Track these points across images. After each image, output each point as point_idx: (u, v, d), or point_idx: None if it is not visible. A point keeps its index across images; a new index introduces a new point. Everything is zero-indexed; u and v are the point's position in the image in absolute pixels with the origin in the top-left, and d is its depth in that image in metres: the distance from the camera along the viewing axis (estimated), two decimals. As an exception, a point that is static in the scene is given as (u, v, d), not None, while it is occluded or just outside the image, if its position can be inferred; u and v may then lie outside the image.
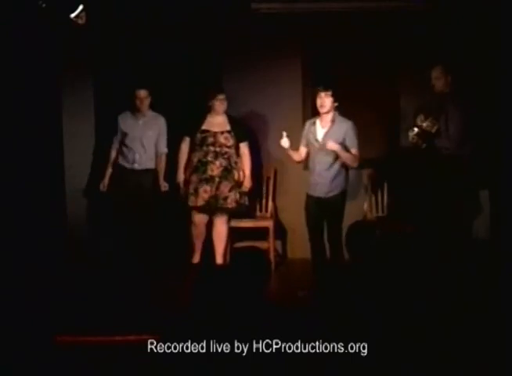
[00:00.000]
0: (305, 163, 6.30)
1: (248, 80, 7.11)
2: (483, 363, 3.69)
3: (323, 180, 5.96)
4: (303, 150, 6.18)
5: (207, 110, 6.65)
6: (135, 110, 6.69)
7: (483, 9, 6.61)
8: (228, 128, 6.64)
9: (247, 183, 6.69)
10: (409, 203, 6.86)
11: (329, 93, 5.91)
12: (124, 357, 3.80)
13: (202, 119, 6.64)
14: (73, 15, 5.94)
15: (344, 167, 6.00)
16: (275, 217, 7.14)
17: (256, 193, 7.07)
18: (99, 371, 3.88)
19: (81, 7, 5.94)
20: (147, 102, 6.64)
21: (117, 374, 3.76)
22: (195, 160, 6.63)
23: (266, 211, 7.12)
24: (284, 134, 6.05)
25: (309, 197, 6.10)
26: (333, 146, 5.84)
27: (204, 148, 6.60)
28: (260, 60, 7.07)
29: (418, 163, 6.38)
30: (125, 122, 6.70)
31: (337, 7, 6.90)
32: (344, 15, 6.92)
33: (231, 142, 6.63)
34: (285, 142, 6.06)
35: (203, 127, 6.63)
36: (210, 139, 6.60)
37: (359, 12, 6.91)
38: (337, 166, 5.95)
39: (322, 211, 6.04)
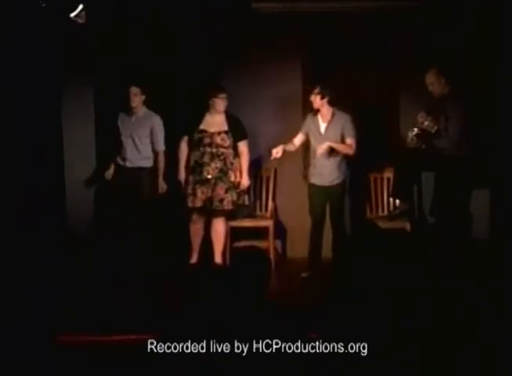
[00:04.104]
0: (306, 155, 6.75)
1: (248, 80, 7.11)
2: (483, 363, 3.69)
3: (327, 170, 6.38)
4: (300, 138, 6.53)
5: (206, 108, 6.63)
6: (128, 108, 6.69)
7: (482, 8, 6.61)
8: (225, 128, 6.60)
9: (245, 182, 6.69)
10: (409, 202, 6.85)
11: (316, 91, 6.34)
12: (124, 357, 3.80)
13: (200, 118, 6.63)
14: (73, 14, 5.94)
15: (344, 156, 6.39)
16: (275, 217, 7.14)
17: (256, 192, 7.09)
18: (99, 371, 3.88)
19: (80, 6, 5.94)
20: (139, 99, 6.62)
21: (117, 374, 3.77)
22: (192, 160, 6.61)
23: (266, 210, 7.13)
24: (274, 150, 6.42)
25: (313, 186, 6.49)
26: (323, 148, 6.24)
27: (201, 149, 6.58)
28: (260, 60, 7.07)
29: (418, 163, 6.38)
30: (120, 122, 6.71)
31: (337, 7, 6.90)
32: (344, 15, 6.91)
33: (227, 142, 6.59)
34: (276, 152, 6.42)
35: (201, 127, 6.60)
36: (207, 140, 6.57)
37: (359, 12, 6.91)
38: (337, 156, 6.36)
39: (327, 199, 6.44)
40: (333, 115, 6.38)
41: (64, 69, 6.69)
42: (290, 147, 6.53)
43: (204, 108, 6.63)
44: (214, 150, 6.57)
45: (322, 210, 6.47)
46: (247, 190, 6.78)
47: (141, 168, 6.67)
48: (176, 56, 6.96)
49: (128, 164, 6.68)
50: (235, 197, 6.62)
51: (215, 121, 6.61)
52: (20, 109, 6.34)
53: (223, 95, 6.55)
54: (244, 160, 6.65)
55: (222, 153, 6.58)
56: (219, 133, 6.58)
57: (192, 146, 6.62)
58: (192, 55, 6.98)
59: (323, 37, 7.06)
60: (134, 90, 6.62)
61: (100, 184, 6.87)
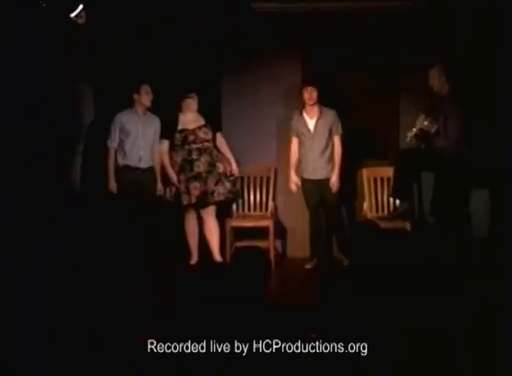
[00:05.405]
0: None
1: (248, 80, 7.12)
2: (483, 363, 3.69)
3: (320, 164, 6.76)
4: (296, 142, 6.85)
5: (178, 109, 6.68)
6: (135, 108, 6.66)
7: (483, 7, 6.61)
8: (203, 122, 6.71)
9: (235, 169, 6.77)
10: (409, 202, 6.85)
11: (310, 88, 6.68)
12: (124, 357, 3.80)
13: (175, 119, 6.68)
14: (73, 14, 5.94)
15: (333, 149, 6.79)
16: (275, 217, 7.14)
17: (255, 192, 7.11)
18: (99, 371, 3.88)
19: (80, 7, 5.94)
20: (150, 98, 6.63)
21: (117, 374, 3.77)
22: (179, 159, 6.66)
23: (266, 210, 7.14)
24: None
25: (308, 181, 6.83)
26: (335, 183, 6.74)
27: (186, 147, 6.64)
28: (260, 60, 7.08)
29: (418, 163, 6.38)
30: (127, 120, 6.64)
31: (337, 7, 6.90)
32: (344, 15, 6.91)
33: (210, 135, 6.71)
34: (296, 184, 6.86)
35: (180, 126, 6.67)
36: (191, 137, 6.65)
37: (359, 12, 6.90)
38: (328, 151, 6.77)
39: (323, 191, 6.80)
40: (321, 112, 6.72)
41: (64, 69, 6.69)
42: (294, 159, 6.84)
43: (176, 110, 6.68)
44: (199, 146, 6.65)
45: (317, 200, 6.81)
46: (237, 178, 6.84)
47: (151, 168, 6.70)
48: (176, 56, 6.96)
49: (142, 165, 6.67)
50: (228, 186, 6.70)
51: (191, 119, 6.71)
52: (20, 109, 6.33)
53: (193, 95, 6.66)
54: (227, 150, 6.80)
55: (208, 148, 6.67)
56: (200, 128, 6.68)
57: (174, 147, 6.67)
58: (192, 55, 6.98)
59: (323, 37, 7.06)
60: (146, 88, 6.61)
61: (99, 186, 6.85)
